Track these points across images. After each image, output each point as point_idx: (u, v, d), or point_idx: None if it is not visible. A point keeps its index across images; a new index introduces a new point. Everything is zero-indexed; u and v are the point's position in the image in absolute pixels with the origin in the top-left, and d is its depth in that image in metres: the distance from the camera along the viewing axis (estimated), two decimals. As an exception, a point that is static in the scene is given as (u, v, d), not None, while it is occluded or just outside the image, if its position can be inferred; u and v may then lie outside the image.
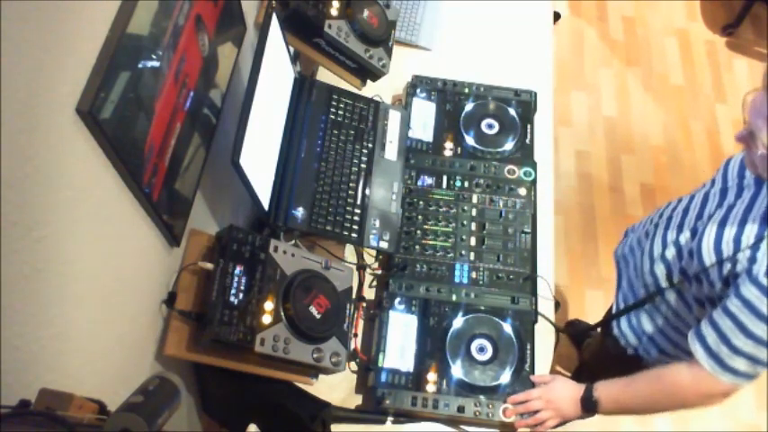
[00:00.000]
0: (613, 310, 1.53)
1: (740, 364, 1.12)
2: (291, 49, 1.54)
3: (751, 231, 1.11)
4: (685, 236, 1.27)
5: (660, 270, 1.34)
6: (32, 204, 0.77)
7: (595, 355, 1.76)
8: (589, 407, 1.31)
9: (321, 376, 1.35)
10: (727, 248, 1.13)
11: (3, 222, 0.71)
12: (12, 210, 0.73)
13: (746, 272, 1.09)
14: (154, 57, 1.00)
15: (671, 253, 1.31)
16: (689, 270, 1.23)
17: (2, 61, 0.67)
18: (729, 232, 1.14)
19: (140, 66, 0.96)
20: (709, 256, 1.17)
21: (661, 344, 1.39)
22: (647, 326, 1.41)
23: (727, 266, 1.13)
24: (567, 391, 1.34)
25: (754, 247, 1.09)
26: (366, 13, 1.60)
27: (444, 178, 1.67)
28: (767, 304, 1.05)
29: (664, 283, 1.33)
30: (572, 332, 2.33)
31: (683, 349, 1.32)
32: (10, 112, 0.70)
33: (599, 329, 1.74)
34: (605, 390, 1.30)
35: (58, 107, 0.79)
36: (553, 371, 1.52)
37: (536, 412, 1.35)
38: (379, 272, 1.60)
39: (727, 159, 1.32)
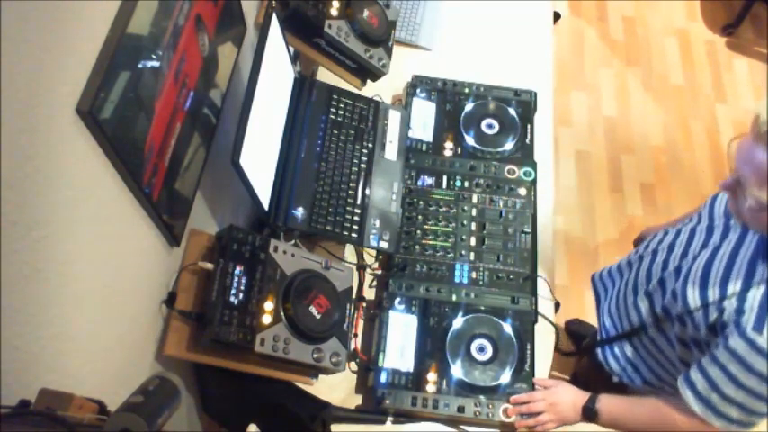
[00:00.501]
0: (597, 336, 1.52)
1: (732, 411, 1.10)
2: (291, 49, 1.54)
3: (737, 278, 1.08)
4: (670, 274, 1.25)
5: (644, 305, 1.32)
6: (32, 204, 0.77)
7: (586, 372, 1.75)
8: (589, 416, 1.32)
9: (321, 376, 1.35)
10: (713, 294, 1.11)
11: (3, 222, 0.71)
12: (12, 210, 0.73)
13: (734, 323, 1.06)
14: (154, 57, 1.00)
15: (654, 289, 1.29)
16: (672, 309, 1.21)
17: (2, 61, 0.67)
18: (715, 277, 1.12)
19: (140, 66, 0.96)
20: (693, 300, 1.15)
21: (645, 375, 1.39)
22: (631, 358, 1.40)
23: (713, 314, 1.11)
24: (570, 396, 1.35)
25: (740, 296, 1.06)
26: (366, 13, 1.60)
27: (444, 178, 1.67)
28: (759, 359, 1.03)
29: (647, 319, 1.32)
30: (572, 331, 2.33)
31: (667, 382, 1.34)
32: (10, 112, 0.70)
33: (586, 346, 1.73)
34: (607, 404, 1.30)
35: (58, 107, 0.79)
36: (551, 376, 1.52)
37: (537, 414, 1.35)
38: (379, 272, 1.60)
39: (713, 195, 1.29)
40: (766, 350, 1.02)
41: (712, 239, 1.19)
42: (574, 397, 1.34)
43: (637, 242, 1.73)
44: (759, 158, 0.94)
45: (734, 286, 1.08)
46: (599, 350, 1.48)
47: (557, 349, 1.54)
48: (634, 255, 1.44)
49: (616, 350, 1.44)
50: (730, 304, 1.08)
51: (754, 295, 1.05)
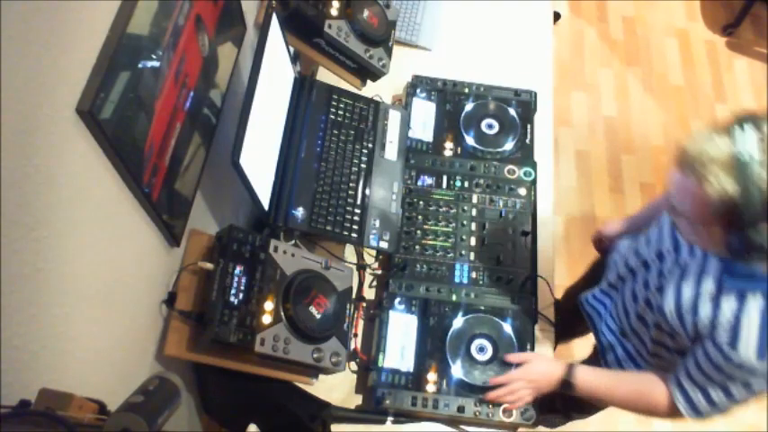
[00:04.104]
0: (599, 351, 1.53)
1: (715, 412, 1.18)
2: (291, 49, 1.54)
3: (707, 298, 1.13)
4: (653, 293, 1.28)
5: (640, 325, 1.35)
6: (32, 204, 0.77)
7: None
8: (566, 388, 1.34)
9: (321, 376, 1.35)
10: (687, 314, 1.16)
11: (3, 222, 0.71)
12: (12, 209, 0.73)
13: (710, 337, 1.12)
14: (154, 57, 1.00)
15: (644, 310, 1.32)
16: (663, 325, 1.26)
17: (2, 61, 0.67)
18: (687, 300, 1.17)
19: (140, 66, 0.96)
20: (671, 317, 1.20)
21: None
22: (635, 363, 1.43)
23: (690, 329, 1.16)
24: (546, 368, 1.37)
25: (714, 311, 1.11)
26: (366, 13, 1.60)
27: (444, 178, 1.67)
28: (737, 371, 1.09)
29: (645, 337, 1.35)
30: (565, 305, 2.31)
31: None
32: (10, 112, 0.70)
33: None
34: (585, 379, 1.33)
35: (58, 107, 0.79)
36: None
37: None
38: (379, 272, 1.60)
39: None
40: (744, 362, 1.07)
41: (681, 258, 1.23)
42: (550, 369, 1.36)
43: (597, 242, 1.75)
44: (680, 182, 1.02)
45: (704, 303, 1.13)
46: (603, 364, 1.50)
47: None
48: (615, 278, 1.46)
49: (621, 360, 1.45)
50: (705, 317, 1.12)
51: (723, 309, 1.10)
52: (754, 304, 1.07)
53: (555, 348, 1.56)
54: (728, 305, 1.09)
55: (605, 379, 1.35)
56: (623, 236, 1.56)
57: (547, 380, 1.35)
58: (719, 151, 0.95)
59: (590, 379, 1.33)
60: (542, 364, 1.38)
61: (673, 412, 1.23)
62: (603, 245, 1.68)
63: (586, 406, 1.92)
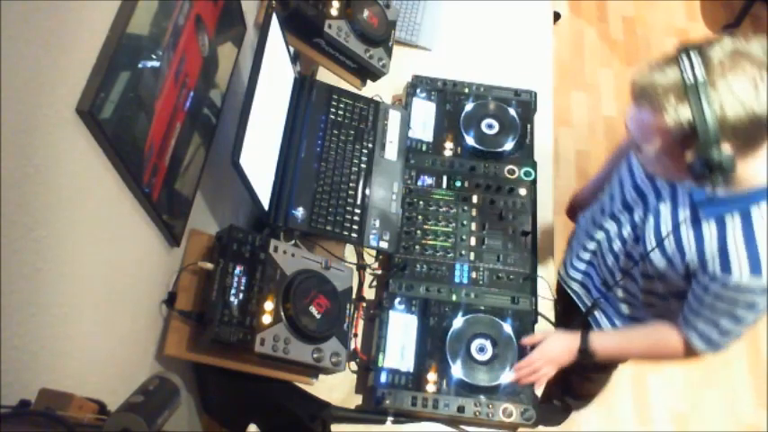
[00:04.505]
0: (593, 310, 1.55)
1: (730, 340, 1.22)
2: (291, 49, 1.54)
3: (688, 234, 1.16)
4: (632, 246, 1.31)
5: (625, 280, 1.38)
6: (32, 204, 0.77)
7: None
8: (585, 357, 1.37)
9: (321, 376, 1.35)
10: (674, 256, 1.19)
11: (3, 222, 0.71)
12: (12, 209, 0.73)
13: (702, 270, 1.15)
14: (154, 57, 1.00)
15: (626, 264, 1.35)
16: (650, 272, 1.28)
17: (2, 61, 0.67)
18: (669, 242, 1.19)
19: (140, 66, 0.96)
20: (660, 264, 1.23)
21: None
22: (629, 319, 1.46)
23: (681, 270, 1.19)
24: (563, 344, 1.40)
25: (699, 248, 1.15)
26: (366, 13, 1.60)
27: (444, 178, 1.67)
28: (736, 295, 1.12)
29: (633, 289, 1.38)
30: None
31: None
32: (10, 112, 0.70)
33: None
34: (601, 344, 1.37)
35: (58, 107, 0.79)
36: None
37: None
38: (379, 272, 1.60)
39: (627, 163, 1.34)
40: (741, 284, 1.10)
41: (650, 204, 1.26)
42: (567, 344, 1.38)
43: (570, 212, 1.78)
44: (637, 116, 1.05)
45: (688, 243, 1.16)
46: (596, 326, 1.53)
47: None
48: (588, 240, 1.49)
49: (615, 320, 1.49)
50: (692, 258, 1.16)
51: (706, 239, 1.13)
52: (733, 225, 1.10)
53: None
54: (710, 233, 1.12)
55: (619, 339, 1.40)
56: (593, 198, 1.59)
57: (567, 354, 1.38)
58: (669, 80, 0.98)
59: (605, 342, 1.37)
60: (558, 341, 1.41)
61: (689, 353, 1.25)
62: (577, 214, 1.71)
63: (582, 392, 1.95)
